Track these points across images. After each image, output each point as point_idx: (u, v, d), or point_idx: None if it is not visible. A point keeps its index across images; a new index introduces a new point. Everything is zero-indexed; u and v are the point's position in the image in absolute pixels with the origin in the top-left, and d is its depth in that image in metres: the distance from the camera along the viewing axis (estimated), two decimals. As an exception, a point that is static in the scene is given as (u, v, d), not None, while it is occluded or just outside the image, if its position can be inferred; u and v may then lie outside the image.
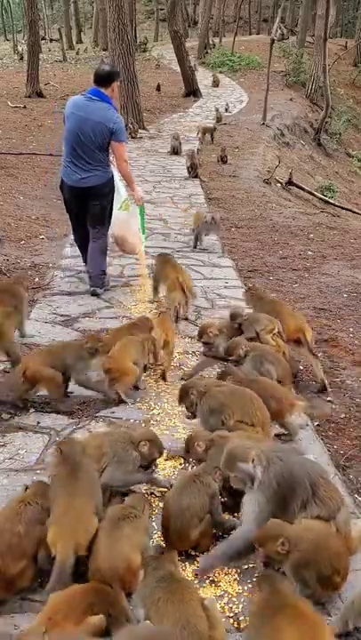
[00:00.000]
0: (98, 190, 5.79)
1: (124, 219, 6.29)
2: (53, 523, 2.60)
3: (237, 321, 4.58)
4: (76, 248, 6.46)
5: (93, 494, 2.77)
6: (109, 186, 5.89)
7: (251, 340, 4.36)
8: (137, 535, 2.63)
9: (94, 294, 6.04)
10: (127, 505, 2.85)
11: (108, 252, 6.30)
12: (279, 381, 4.08)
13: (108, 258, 6.38)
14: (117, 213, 6.17)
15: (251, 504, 2.79)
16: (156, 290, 5.91)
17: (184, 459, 3.60)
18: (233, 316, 4.63)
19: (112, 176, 5.93)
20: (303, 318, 4.85)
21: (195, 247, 7.79)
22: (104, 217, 5.94)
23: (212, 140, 15.95)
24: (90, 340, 4.24)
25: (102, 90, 5.71)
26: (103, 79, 5.72)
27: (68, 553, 2.54)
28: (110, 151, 5.82)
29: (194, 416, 3.71)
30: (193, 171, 11.95)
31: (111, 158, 5.91)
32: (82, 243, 6.17)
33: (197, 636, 2.16)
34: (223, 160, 13.82)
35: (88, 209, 5.86)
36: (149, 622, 2.24)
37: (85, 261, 6.22)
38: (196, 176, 11.95)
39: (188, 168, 12.02)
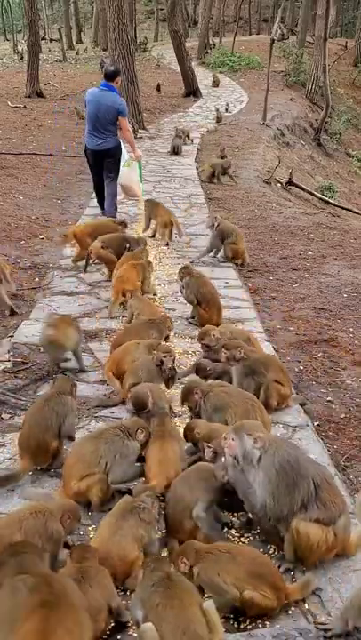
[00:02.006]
0: (111, 152, 8.36)
1: (127, 173, 8.68)
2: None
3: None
4: (76, 248, 7.05)
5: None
6: (118, 149, 8.47)
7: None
8: (140, 529, 2.71)
9: (105, 213, 8.50)
10: (137, 498, 2.89)
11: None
12: (277, 381, 4.10)
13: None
14: (122, 169, 8.59)
15: (257, 482, 2.81)
16: (147, 225, 8.03)
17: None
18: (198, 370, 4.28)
19: (119, 142, 8.48)
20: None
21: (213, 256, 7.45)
22: (114, 169, 8.44)
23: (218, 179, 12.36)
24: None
25: (110, 83, 8.34)
26: (110, 76, 8.40)
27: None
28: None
29: (198, 416, 3.74)
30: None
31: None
32: (98, 190, 8.77)
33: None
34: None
35: (104, 164, 8.39)
36: (151, 624, 2.24)
37: (100, 203, 8.79)
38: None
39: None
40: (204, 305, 5.40)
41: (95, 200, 9.66)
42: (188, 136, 15.57)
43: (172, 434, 3.42)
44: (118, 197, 8.69)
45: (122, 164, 8.56)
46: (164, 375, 4.11)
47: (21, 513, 2.75)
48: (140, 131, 16.40)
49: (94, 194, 9.22)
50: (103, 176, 8.45)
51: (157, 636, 2.18)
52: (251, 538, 3.03)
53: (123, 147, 8.63)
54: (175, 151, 14.11)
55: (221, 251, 7.38)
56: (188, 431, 3.54)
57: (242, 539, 3.03)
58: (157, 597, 2.30)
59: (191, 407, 3.78)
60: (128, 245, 6.49)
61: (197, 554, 2.61)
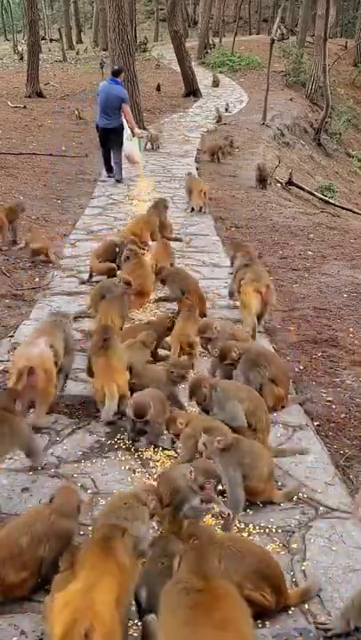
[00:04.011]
0: (115, 129, 11.21)
1: (130, 145, 11.55)
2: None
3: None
4: (76, 248, 7.41)
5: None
6: (120, 127, 11.25)
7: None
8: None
9: (119, 181, 11.45)
10: (127, 496, 2.87)
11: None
12: (273, 380, 4.09)
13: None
14: (126, 142, 11.44)
15: None
16: None
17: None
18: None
19: (122, 122, 11.25)
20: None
21: None
22: (118, 142, 11.33)
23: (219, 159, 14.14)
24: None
25: (116, 78, 11.30)
26: (116, 73, 11.48)
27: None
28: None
29: (206, 411, 3.77)
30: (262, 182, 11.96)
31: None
32: (106, 160, 11.65)
33: None
34: (224, 154, 13.93)
35: (110, 138, 11.29)
36: (154, 616, 2.28)
37: (108, 170, 11.74)
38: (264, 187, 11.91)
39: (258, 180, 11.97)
40: (187, 294, 5.57)
41: (94, 201, 9.84)
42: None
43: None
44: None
45: (124, 138, 11.38)
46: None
47: (29, 515, 2.77)
48: (140, 131, 16.40)
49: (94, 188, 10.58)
50: (109, 147, 11.43)
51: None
52: (251, 538, 3.04)
53: (125, 126, 11.42)
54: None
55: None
56: (171, 422, 3.59)
57: (243, 535, 3.03)
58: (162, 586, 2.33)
59: (199, 402, 3.80)
60: (118, 250, 6.61)
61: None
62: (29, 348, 3.78)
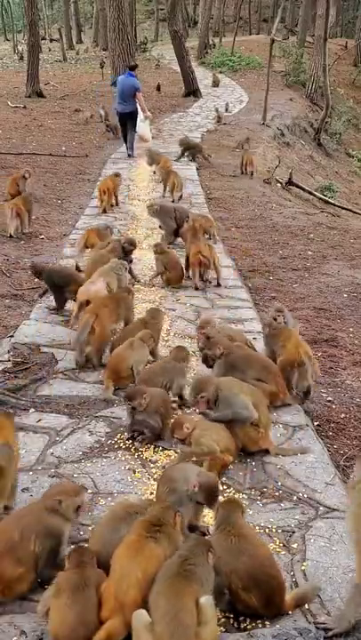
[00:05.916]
0: (131, 113, 13.63)
1: (143, 126, 13.95)
2: None
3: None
4: (75, 249, 7.40)
5: None
6: (135, 111, 13.64)
7: None
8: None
9: (130, 156, 13.84)
10: (132, 504, 2.87)
11: None
12: (259, 380, 4.10)
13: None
14: (140, 123, 13.82)
15: None
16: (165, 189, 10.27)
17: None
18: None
19: (137, 107, 13.61)
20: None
21: None
22: (133, 124, 13.69)
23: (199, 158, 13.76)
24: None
25: (132, 72, 13.82)
26: (132, 67, 14.13)
27: None
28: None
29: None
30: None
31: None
32: (125, 138, 14.04)
33: (183, 630, 2.22)
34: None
35: (127, 121, 13.74)
36: (144, 611, 2.32)
37: (127, 143, 14.06)
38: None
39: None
40: (170, 268, 6.48)
41: (94, 201, 9.85)
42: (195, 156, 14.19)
43: None
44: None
45: (138, 120, 13.72)
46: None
47: (21, 511, 2.76)
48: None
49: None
50: (127, 128, 13.78)
51: (149, 620, 2.27)
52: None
53: (139, 110, 13.72)
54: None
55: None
56: (177, 427, 3.59)
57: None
58: (158, 586, 2.36)
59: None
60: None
61: (219, 527, 2.68)
62: (89, 286, 5.17)
